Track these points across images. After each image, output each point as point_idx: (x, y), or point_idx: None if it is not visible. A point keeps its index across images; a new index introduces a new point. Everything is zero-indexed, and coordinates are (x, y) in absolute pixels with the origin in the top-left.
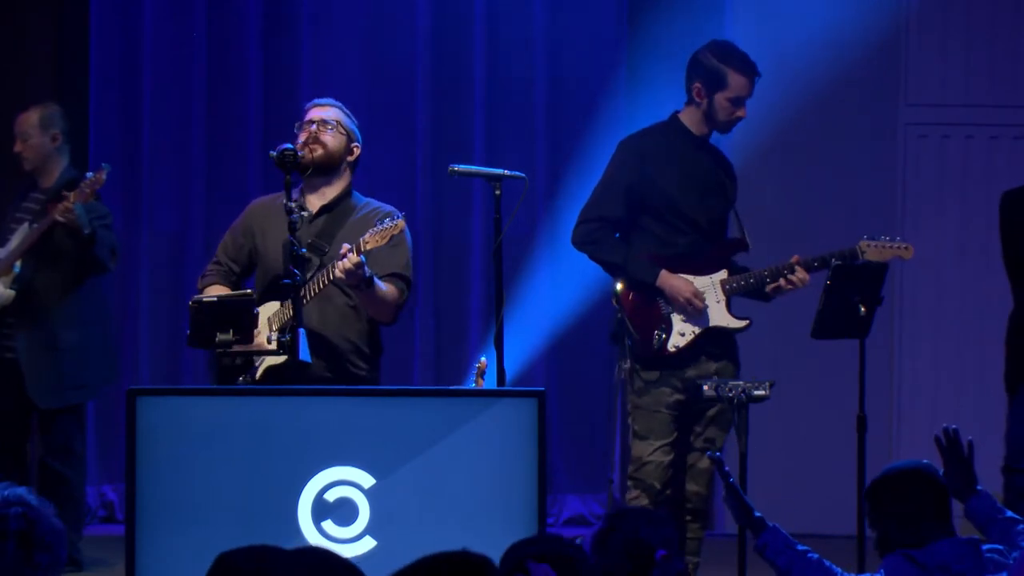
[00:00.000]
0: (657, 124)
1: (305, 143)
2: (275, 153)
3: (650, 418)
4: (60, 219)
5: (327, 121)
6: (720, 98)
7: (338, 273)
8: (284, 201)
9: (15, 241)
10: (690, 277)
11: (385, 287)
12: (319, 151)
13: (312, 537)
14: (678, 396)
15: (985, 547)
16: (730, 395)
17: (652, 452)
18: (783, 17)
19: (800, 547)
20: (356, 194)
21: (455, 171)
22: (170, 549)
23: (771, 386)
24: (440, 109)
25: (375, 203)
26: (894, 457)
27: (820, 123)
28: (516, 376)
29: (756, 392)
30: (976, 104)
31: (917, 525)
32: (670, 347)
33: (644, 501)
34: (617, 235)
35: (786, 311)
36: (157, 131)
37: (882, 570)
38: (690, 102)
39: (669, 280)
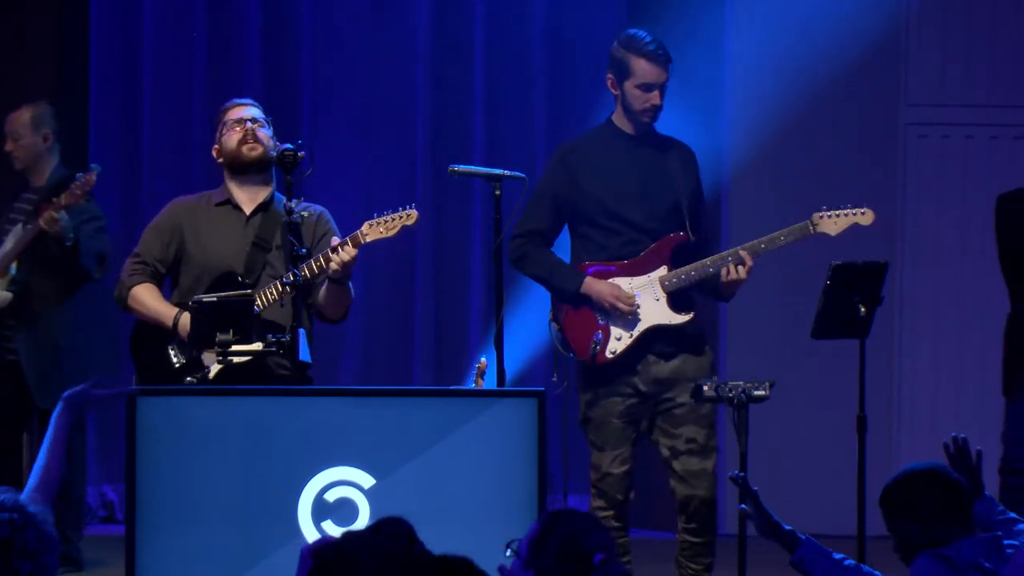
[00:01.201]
0: (593, 128)
1: (244, 141)
2: (275, 153)
3: (602, 429)
4: (45, 227)
5: (258, 119)
6: (629, 86)
7: (334, 266)
8: (285, 201)
9: (9, 243)
10: (626, 278)
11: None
12: (259, 149)
13: (312, 537)
14: (631, 401)
15: (1004, 542)
16: (730, 395)
17: (610, 463)
18: (783, 17)
19: (836, 555)
20: (278, 194)
21: (455, 171)
22: (170, 549)
23: (771, 386)
24: (440, 109)
25: (303, 202)
26: (894, 457)
27: (820, 123)
28: (516, 376)
29: (756, 392)
30: (976, 104)
31: (938, 526)
32: (608, 353)
33: (609, 512)
34: (548, 246)
35: (786, 311)
36: (157, 131)
37: (913, 572)
38: (615, 99)
39: (593, 286)
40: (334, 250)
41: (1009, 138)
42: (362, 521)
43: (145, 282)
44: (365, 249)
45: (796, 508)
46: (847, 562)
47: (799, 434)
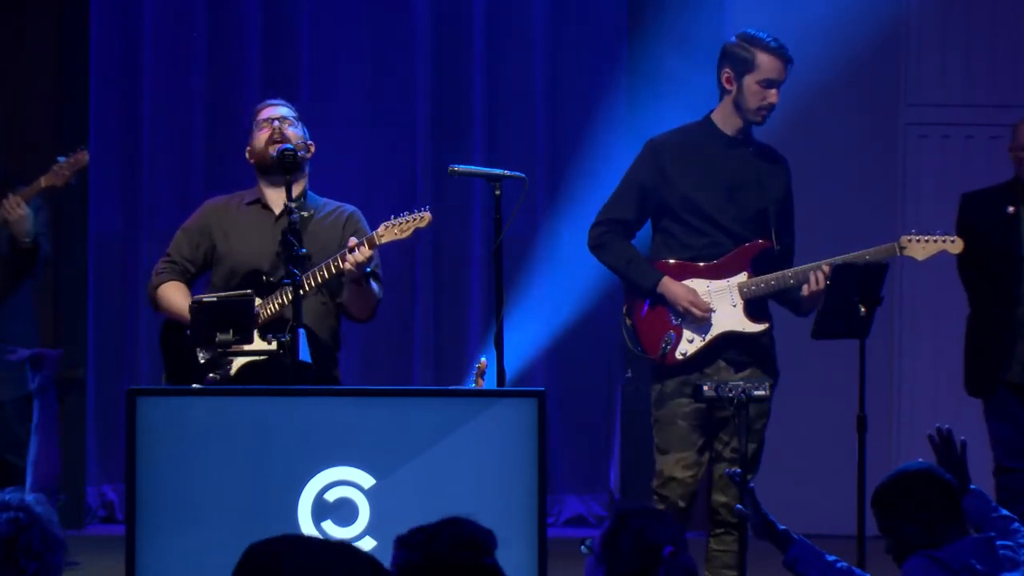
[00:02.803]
0: (688, 124)
1: (271, 140)
2: (275, 153)
3: (667, 431)
4: (7, 217)
5: (286, 117)
6: (750, 81)
7: (348, 266)
8: (287, 201)
9: None
10: (704, 280)
11: (373, 284)
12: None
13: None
14: (698, 405)
15: (997, 543)
16: (730, 395)
17: (673, 466)
18: (783, 17)
19: (829, 557)
20: (311, 193)
21: (455, 171)
22: (170, 549)
23: (771, 386)
24: (440, 109)
25: (333, 202)
26: (894, 457)
27: (820, 123)
28: (516, 376)
29: (756, 392)
30: (976, 104)
31: (933, 527)
32: (677, 355)
33: None
34: (629, 238)
35: (786, 311)
36: (157, 131)
37: (905, 573)
38: (722, 96)
39: (669, 286)
40: (351, 250)
41: (1009, 138)
42: (362, 521)
43: (173, 280)
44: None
45: (796, 508)
46: (839, 564)
47: (799, 434)
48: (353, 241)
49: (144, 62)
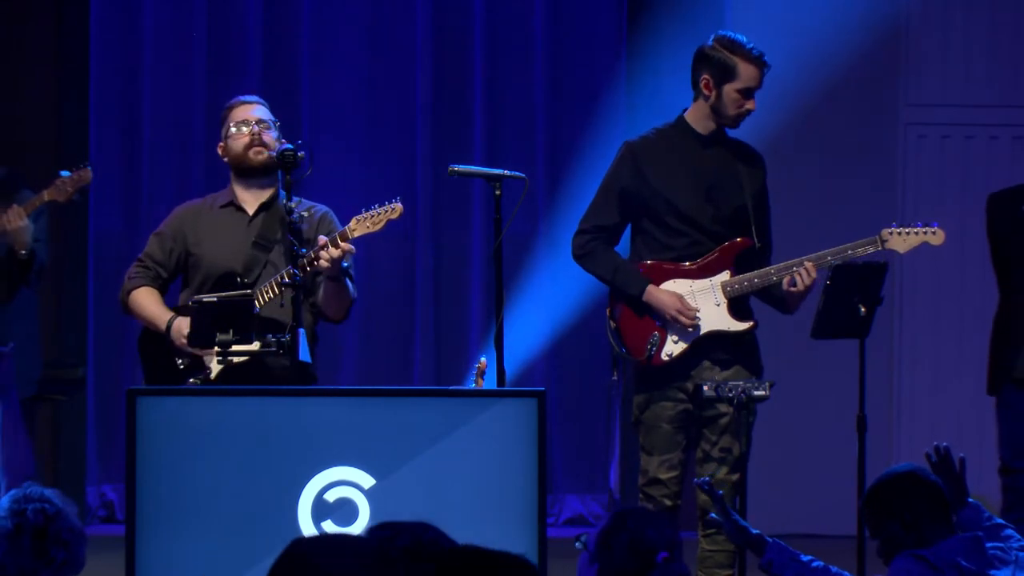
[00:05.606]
0: (662, 125)
1: (250, 145)
2: (275, 153)
3: (651, 433)
4: (8, 229)
5: (264, 120)
6: (729, 89)
7: (323, 263)
8: (285, 202)
9: None
10: (688, 281)
11: (348, 283)
12: (265, 154)
13: None
14: (684, 407)
15: (987, 544)
16: (730, 395)
17: (657, 467)
18: (783, 18)
19: (804, 557)
20: (283, 193)
21: (455, 171)
22: (170, 549)
23: (771, 386)
24: (440, 109)
25: (307, 201)
26: (894, 457)
27: (820, 123)
28: (516, 376)
29: (756, 392)
30: (976, 104)
31: (919, 527)
32: (663, 356)
33: None
34: (613, 243)
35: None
36: (157, 131)
37: (891, 572)
38: (697, 98)
39: (656, 295)
40: (323, 247)
41: (1009, 138)
42: (362, 521)
43: (145, 285)
44: (365, 248)
45: (796, 508)
46: (815, 563)
47: (799, 434)
48: (323, 239)
49: (144, 62)
